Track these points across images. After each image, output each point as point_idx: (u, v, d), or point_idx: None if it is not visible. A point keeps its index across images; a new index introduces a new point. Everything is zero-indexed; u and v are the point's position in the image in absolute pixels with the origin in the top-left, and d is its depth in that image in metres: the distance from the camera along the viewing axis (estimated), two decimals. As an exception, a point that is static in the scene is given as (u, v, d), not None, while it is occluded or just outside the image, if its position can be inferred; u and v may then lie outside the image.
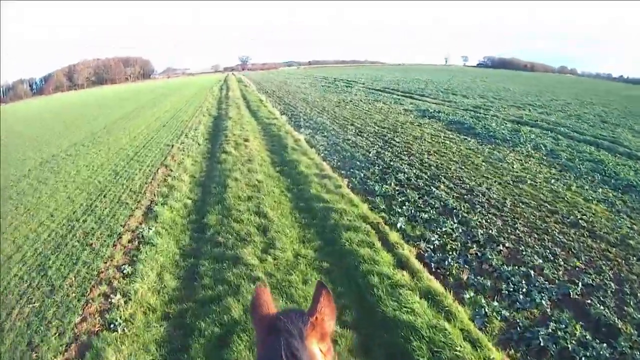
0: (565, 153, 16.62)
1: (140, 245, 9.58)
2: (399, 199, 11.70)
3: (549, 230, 9.47)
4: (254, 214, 10.73)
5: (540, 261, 8.12)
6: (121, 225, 11.03)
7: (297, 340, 1.28)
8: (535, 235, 9.24)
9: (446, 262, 8.16)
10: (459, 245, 8.86)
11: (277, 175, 14.87)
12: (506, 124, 22.93)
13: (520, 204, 11.20)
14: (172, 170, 16.21)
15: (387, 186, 12.81)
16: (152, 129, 26.96)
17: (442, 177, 13.54)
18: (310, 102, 36.91)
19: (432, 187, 12.59)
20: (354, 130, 22.06)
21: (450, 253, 8.53)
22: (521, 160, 15.67)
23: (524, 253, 8.44)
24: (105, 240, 10.17)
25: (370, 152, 17.22)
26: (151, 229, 10.22)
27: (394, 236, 9.04)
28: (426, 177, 13.63)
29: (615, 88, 60.29)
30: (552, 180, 13.21)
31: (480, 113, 26.86)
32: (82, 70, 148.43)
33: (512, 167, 14.70)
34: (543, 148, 17.44)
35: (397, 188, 12.70)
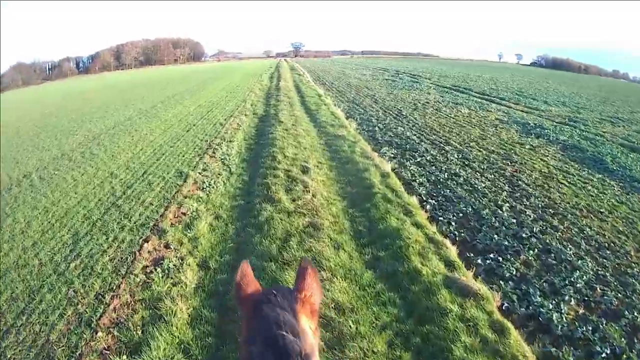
0: None
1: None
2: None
3: None
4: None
5: None
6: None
7: (290, 316, 1.20)
8: None
9: None
10: None
11: (372, 279, 7.14)
12: (622, 149, 17.45)
13: None
14: (161, 263, 7.74)
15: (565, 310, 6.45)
16: (166, 139, 18.85)
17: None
18: (379, 101, 30.20)
19: None
20: (455, 155, 15.18)
21: None
22: None
23: None
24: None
25: (501, 209, 10.45)
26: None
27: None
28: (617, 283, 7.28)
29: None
30: None
31: (580, 129, 21.48)
32: (130, 50, 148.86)
33: None
34: None
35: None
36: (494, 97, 33.81)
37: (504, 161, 14.43)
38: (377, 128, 20.10)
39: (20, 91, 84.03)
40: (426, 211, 10.07)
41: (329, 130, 19.10)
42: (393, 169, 13.38)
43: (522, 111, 26.78)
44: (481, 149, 16.00)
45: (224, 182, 12.21)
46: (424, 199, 10.93)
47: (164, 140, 18.38)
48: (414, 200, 10.49)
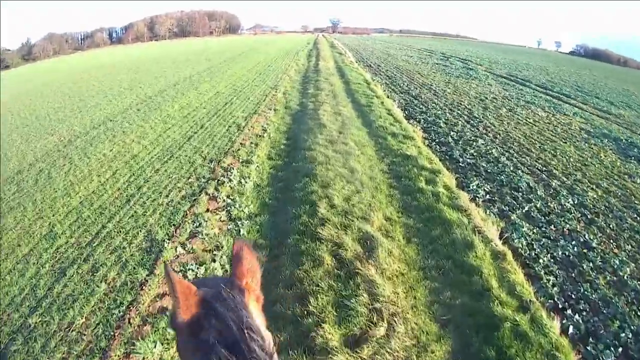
0: None
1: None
2: None
3: None
4: None
5: None
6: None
7: (242, 311, 1.08)
8: None
9: None
10: None
11: None
12: None
13: None
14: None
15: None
16: (147, 162, 12.42)
17: None
18: (439, 94, 24.65)
19: None
20: (570, 201, 10.17)
21: None
22: None
23: None
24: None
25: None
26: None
27: None
28: None
29: None
30: None
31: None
32: (164, 21, 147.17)
33: None
34: None
35: None
36: (557, 92, 29.06)
37: (633, 216, 9.41)
38: (451, 139, 14.98)
39: (42, 63, 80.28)
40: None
41: (391, 143, 13.39)
42: (502, 237, 7.83)
43: (597, 115, 21.88)
44: (592, 185, 11.26)
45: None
46: (569, 318, 5.97)
47: (136, 172, 11.69)
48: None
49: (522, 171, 11.65)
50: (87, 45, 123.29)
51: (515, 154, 13.22)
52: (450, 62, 44.99)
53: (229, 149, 12.62)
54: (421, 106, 20.49)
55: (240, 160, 11.39)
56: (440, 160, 12.21)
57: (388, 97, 22.08)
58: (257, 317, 1.14)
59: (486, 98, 23.63)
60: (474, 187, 10.31)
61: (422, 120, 17.93)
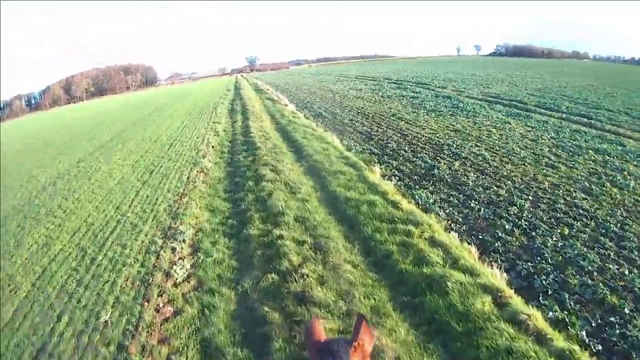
0: None
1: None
2: None
3: None
4: None
5: None
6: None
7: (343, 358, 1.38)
8: None
9: None
10: None
11: None
12: None
13: None
14: None
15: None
16: None
17: None
18: (460, 156, 13.66)
19: None
20: None
21: None
22: None
23: None
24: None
25: None
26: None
27: None
28: None
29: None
30: None
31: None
32: (80, 81, 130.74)
33: None
34: None
35: None
36: (558, 109, 21.04)
37: None
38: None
39: None
40: None
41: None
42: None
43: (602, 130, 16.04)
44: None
45: None
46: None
47: None
48: None
49: None
50: (7, 115, 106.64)
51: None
52: (411, 90, 33.52)
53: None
54: (464, 208, 9.41)
55: None
56: None
57: (390, 182, 10.58)
58: None
59: (516, 154, 13.20)
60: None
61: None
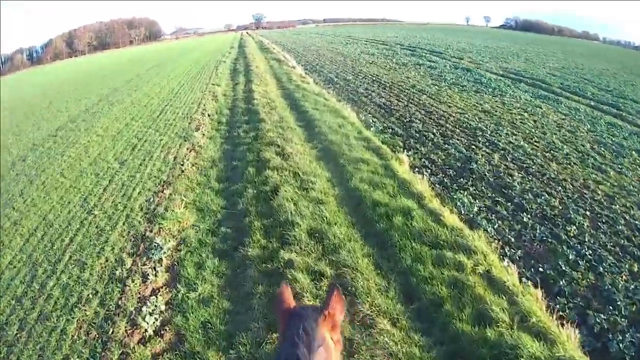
0: None
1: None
2: None
3: None
4: None
5: None
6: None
7: (312, 325, 1.33)
8: None
9: None
10: None
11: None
12: None
13: None
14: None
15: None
16: None
17: None
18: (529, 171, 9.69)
19: None
20: None
21: None
22: None
23: None
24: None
25: None
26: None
27: None
28: None
29: None
30: None
31: None
32: (82, 35, 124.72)
33: None
34: None
35: None
36: (584, 95, 18.39)
37: None
38: None
39: None
40: None
41: None
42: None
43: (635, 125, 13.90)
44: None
45: None
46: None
47: None
48: None
49: None
50: (8, 68, 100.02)
51: None
52: (427, 58, 30.00)
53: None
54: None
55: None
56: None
57: (471, 226, 7.12)
58: (326, 334, 1.34)
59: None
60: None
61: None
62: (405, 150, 10.55)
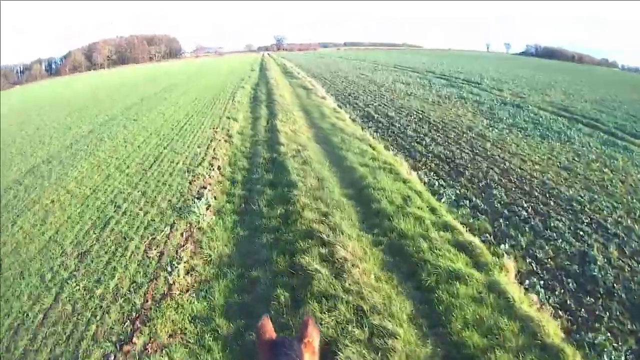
0: None
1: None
2: None
3: None
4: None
5: None
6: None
7: (297, 353, 1.41)
8: None
9: None
10: None
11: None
12: None
13: None
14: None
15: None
16: None
17: None
18: None
19: None
20: None
21: None
22: None
23: None
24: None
25: None
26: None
27: None
28: None
29: None
30: None
31: None
32: (102, 48, 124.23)
33: None
34: None
35: None
36: None
37: None
38: None
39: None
40: None
41: None
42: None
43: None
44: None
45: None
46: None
47: None
48: None
49: None
50: (26, 78, 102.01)
51: None
52: (467, 90, 26.13)
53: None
54: None
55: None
56: None
57: None
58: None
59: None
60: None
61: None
62: (499, 242, 6.67)
